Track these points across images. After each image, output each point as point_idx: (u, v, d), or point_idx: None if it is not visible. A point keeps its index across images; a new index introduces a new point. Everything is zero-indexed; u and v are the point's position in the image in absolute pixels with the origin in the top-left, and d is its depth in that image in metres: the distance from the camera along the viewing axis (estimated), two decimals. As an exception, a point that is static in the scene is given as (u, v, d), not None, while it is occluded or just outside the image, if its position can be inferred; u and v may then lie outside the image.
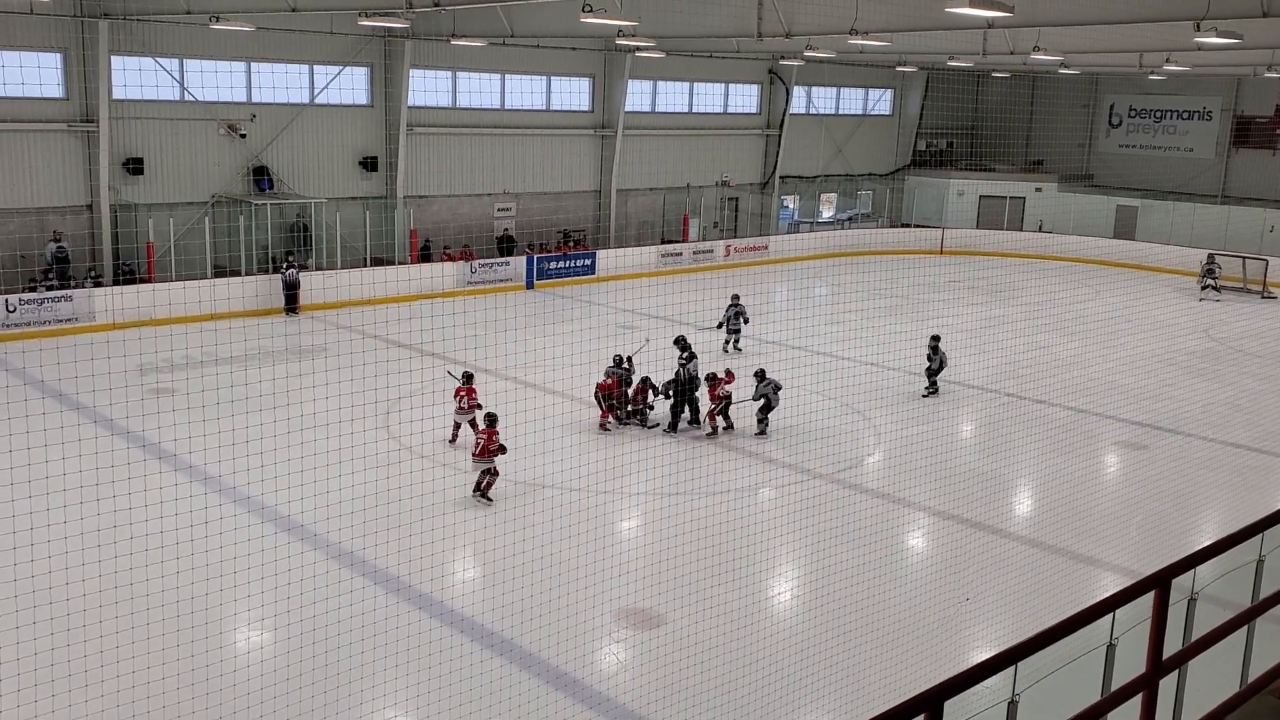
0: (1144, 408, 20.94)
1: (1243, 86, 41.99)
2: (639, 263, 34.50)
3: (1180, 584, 5.06)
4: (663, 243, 36.91)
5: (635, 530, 14.73)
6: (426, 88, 31.72)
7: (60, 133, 25.73)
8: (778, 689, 10.24)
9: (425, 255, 31.45)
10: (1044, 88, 46.70)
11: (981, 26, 23.65)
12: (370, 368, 19.55)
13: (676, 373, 18.65)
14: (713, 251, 36.83)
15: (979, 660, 4.02)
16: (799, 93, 41.78)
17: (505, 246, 33.41)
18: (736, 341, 24.14)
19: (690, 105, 39.34)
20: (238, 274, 26.92)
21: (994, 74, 43.92)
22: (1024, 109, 46.89)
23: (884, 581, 12.87)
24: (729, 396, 18.13)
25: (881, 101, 46.34)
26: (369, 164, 30.97)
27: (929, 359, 21.24)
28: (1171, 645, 4.98)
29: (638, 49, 32.13)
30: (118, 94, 26.23)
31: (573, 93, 35.82)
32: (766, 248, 38.60)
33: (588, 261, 33.38)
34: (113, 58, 25.80)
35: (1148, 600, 4.77)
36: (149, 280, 26.00)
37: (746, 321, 24.21)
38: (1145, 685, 4.77)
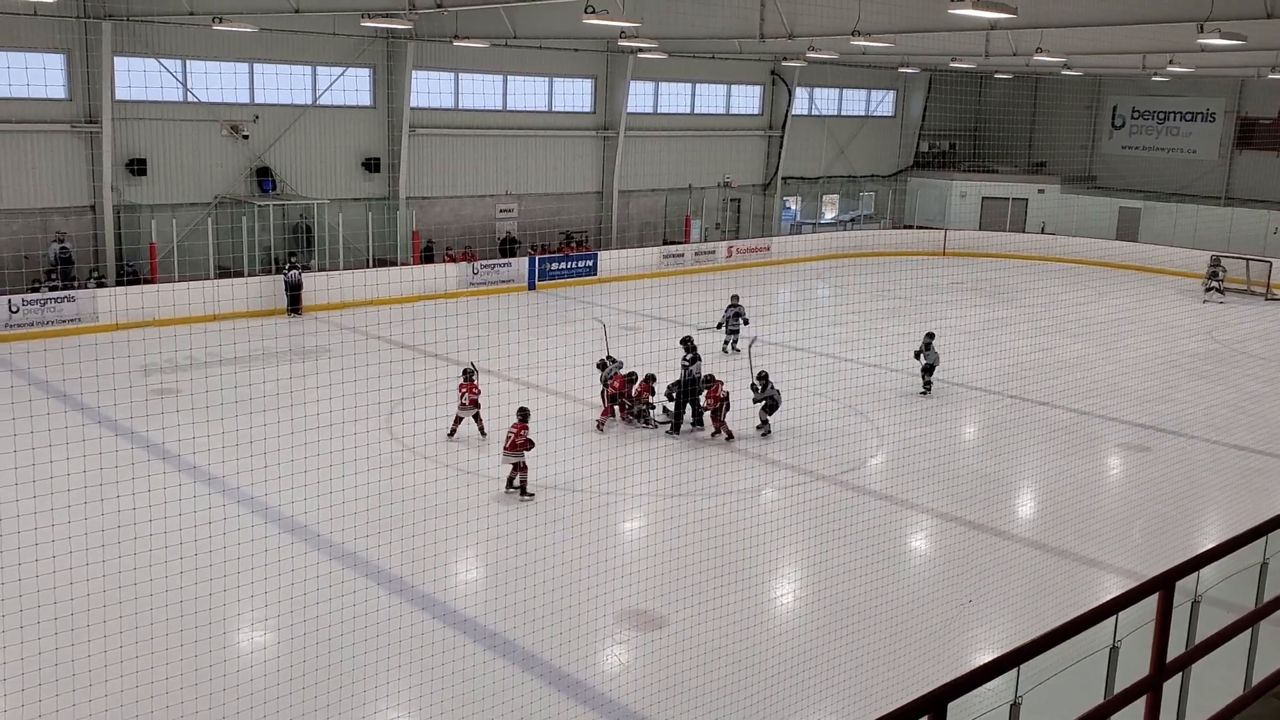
0: (1147, 410, 20.93)
1: (1246, 88, 41.96)
2: (641, 264, 34.51)
3: (1184, 586, 5.05)
4: (665, 244, 36.92)
5: (638, 531, 14.73)
6: (429, 89, 31.73)
7: (63, 133, 25.76)
8: (780, 691, 10.24)
9: (427, 256, 31.46)
10: (1047, 89, 46.68)
11: (984, 28, 23.64)
12: (373, 368, 19.55)
13: (680, 375, 18.67)
14: (715, 253, 36.83)
15: (982, 662, 4.02)
16: (801, 94, 41.78)
17: (508, 248, 33.42)
18: (735, 343, 24.14)
19: (692, 106, 39.35)
20: (240, 275, 26.93)
21: (997, 75, 43.92)
22: (1026, 110, 46.87)
23: (886, 583, 12.86)
24: (727, 397, 18.11)
25: (884, 103, 46.33)
26: (371, 165, 30.99)
27: (923, 355, 21.42)
28: (1175, 648, 4.98)
29: (640, 50, 32.13)
30: (121, 95, 26.26)
31: (575, 94, 35.84)
32: (769, 249, 38.59)
33: (590, 263, 33.39)
34: (116, 58, 25.83)
35: (1151, 603, 4.77)
36: (152, 281, 26.03)
37: (746, 323, 24.20)
38: (1149, 688, 4.77)
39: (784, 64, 39.20)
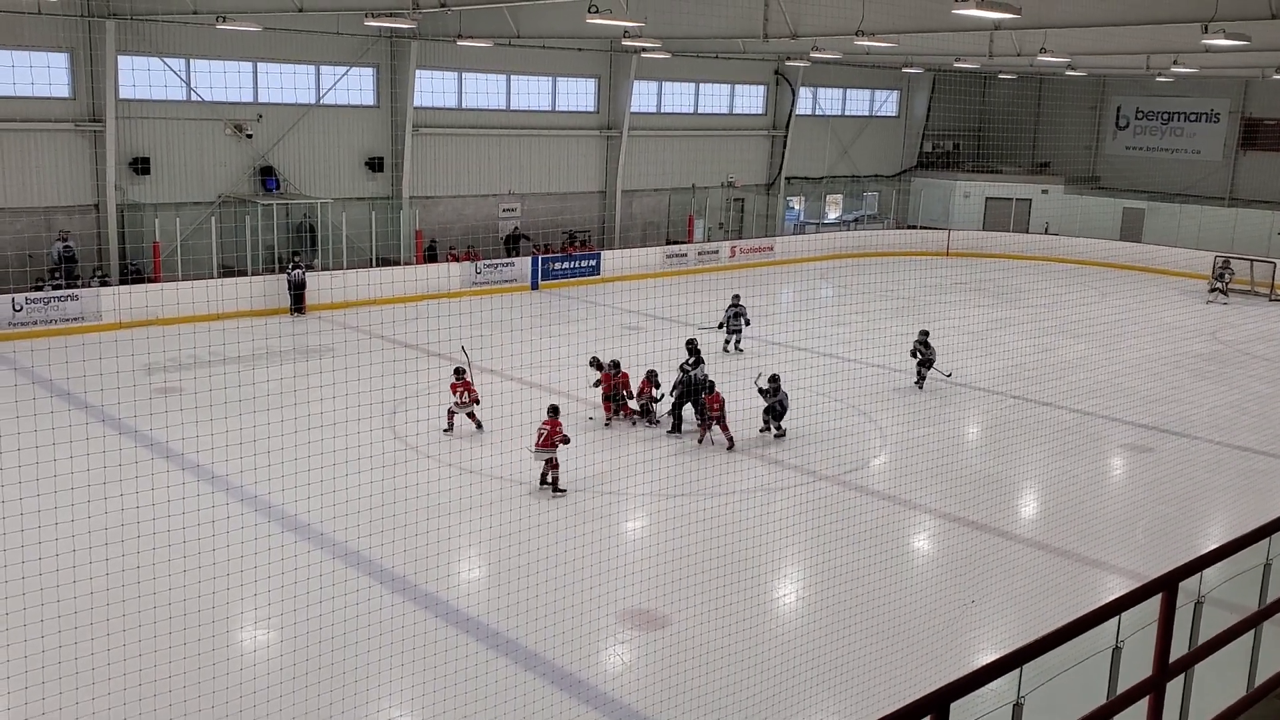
0: (1150, 410, 20.91)
1: (1251, 88, 41.90)
2: (644, 264, 34.51)
3: (1187, 587, 5.05)
4: (668, 244, 36.91)
5: (640, 531, 14.73)
6: (432, 88, 31.74)
7: (67, 132, 25.79)
8: (783, 690, 10.24)
9: (431, 256, 31.48)
10: (1051, 89, 46.62)
11: (988, 28, 23.62)
12: (376, 367, 19.58)
13: (678, 375, 18.68)
14: (718, 252, 36.82)
15: (985, 662, 4.01)
16: (805, 94, 41.77)
17: (512, 246, 33.40)
18: (738, 342, 24.13)
19: (696, 106, 39.34)
20: (244, 274, 26.97)
21: (1000, 75, 43.87)
22: (1030, 111, 46.80)
23: (889, 583, 12.86)
24: (723, 403, 17.97)
25: (888, 103, 46.31)
26: (375, 164, 31.01)
27: (919, 353, 21.68)
28: (1178, 649, 4.97)
29: (643, 50, 32.12)
30: (124, 94, 26.29)
31: (578, 93, 35.84)
32: (772, 249, 38.58)
33: (593, 262, 33.39)
34: (119, 57, 25.86)
35: (1154, 603, 4.76)
36: (155, 280, 26.05)
37: (747, 323, 24.18)
38: (1151, 688, 4.76)
39: (788, 64, 39.17)
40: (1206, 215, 39.32)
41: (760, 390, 18.16)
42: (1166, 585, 4.77)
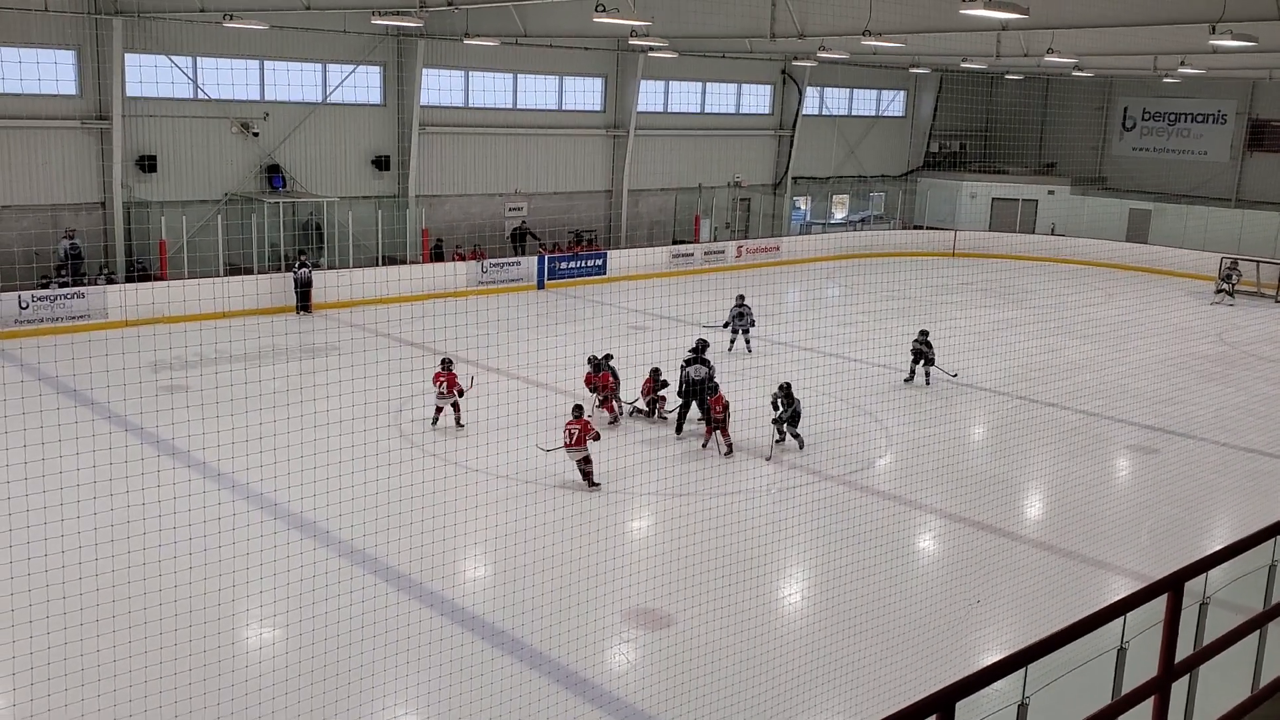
0: (1156, 412, 20.87)
1: (1258, 89, 41.80)
2: (650, 263, 34.50)
3: (1192, 588, 5.04)
4: (674, 243, 36.91)
5: (645, 530, 14.74)
6: (439, 87, 31.77)
7: (74, 130, 25.84)
8: (787, 690, 10.23)
9: (437, 254, 31.50)
10: (1057, 90, 46.57)
11: (995, 28, 23.60)
12: (381, 366, 19.60)
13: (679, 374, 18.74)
14: (724, 252, 36.81)
15: (990, 662, 4.01)
16: (812, 94, 41.73)
17: (518, 243, 33.38)
18: (747, 343, 24.11)
19: (702, 106, 39.33)
20: (250, 272, 27.01)
21: (1007, 76, 43.80)
22: (1037, 111, 46.74)
23: (894, 583, 12.86)
24: (726, 406, 17.91)
25: (894, 103, 46.26)
26: (381, 163, 31.04)
27: (921, 352, 21.81)
28: (1183, 649, 4.96)
29: (650, 49, 32.12)
30: (131, 91, 26.32)
31: (585, 93, 35.84)
32: (778, 249, 38.57)
33: (599, 262, 33.39)
34: (126, 55, 25.88)
35: (1159, 604, 4.76)
36: (162, 278, 26.11)
37: (753, 323, 24.17)
38: (1156, 689, 4.76)
39: (794, 63, 39.14)
40: (1213, 216, 39.21)
41: (773, 403, 17.83)
42: (1172, 586, 4.76)
